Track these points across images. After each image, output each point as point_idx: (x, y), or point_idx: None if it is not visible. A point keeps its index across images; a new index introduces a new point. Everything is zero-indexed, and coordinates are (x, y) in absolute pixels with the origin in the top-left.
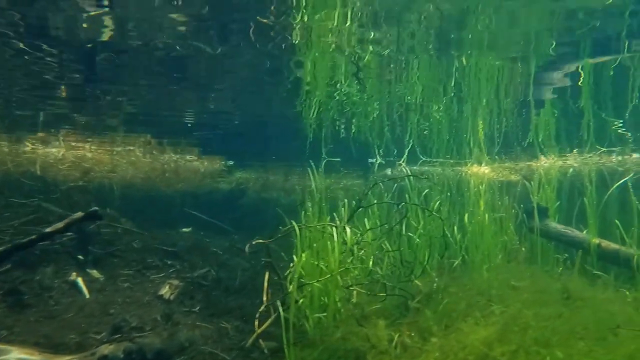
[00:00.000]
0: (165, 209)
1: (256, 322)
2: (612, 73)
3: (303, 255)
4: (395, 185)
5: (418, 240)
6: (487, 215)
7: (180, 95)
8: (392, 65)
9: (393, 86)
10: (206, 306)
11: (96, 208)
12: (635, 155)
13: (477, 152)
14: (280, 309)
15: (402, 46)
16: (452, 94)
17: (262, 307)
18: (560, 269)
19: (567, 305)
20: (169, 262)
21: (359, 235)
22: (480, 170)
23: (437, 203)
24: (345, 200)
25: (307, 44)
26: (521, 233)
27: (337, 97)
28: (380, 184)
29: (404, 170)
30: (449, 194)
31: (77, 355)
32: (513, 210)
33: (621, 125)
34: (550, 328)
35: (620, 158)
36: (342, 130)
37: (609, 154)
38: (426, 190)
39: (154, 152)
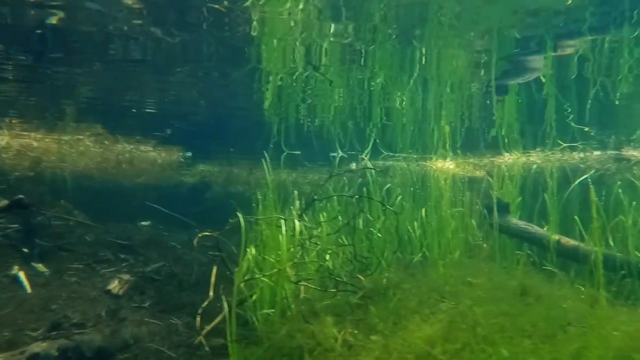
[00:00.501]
0: (123, 202)
1: (198, 319)
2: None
3: (251, 249)
4: (360, 179)
5: (379, 235)
6: (447, 211)
7: (137, 84)
8: (353, 55)
9: (354, 76)
10: (157, 302)
11: (22, 196)
12: (596, 153)
13: (441, 147)
14: (225, 305)
15: (362, 35)
16: (416, 86)
17: (205, 303)
18: (521, 265)
19: (521, 302)
20: (123, 256)
21: (312, 229)
22: (445, 166)
23: (399, 198)
24: (296, 193)
25: (263, 31)
26: (485, 229)
27: (296, 86)
28: (344, 178)
29: (367, 164)
30: (412, 189)
31: (4, 354)
32: (476, 207)
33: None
34: (499, 325)
35: (582, 155)
36: (307, 123)
37: (572, 151)
38: (388, 185)
39: (106, 142)
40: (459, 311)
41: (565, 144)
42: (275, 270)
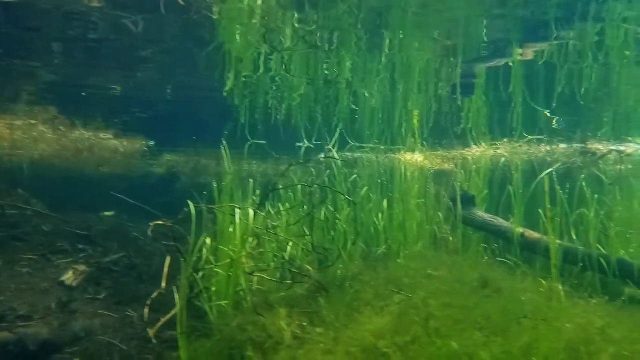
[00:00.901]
0: (86, 191)
1: (146, 310)
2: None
3: (205, 239)
4: (328, 171)
5: (344, 226)
6: (413, 203)
7: (98, 70)
8: (318, 42)
9: (320, 64)
10: (113, 293)
11: None
12: (562, 146)
13: (410, 139)
14: (177, 297)
15: (327, 23)
16: (384, 76)
17: (155, 295)
18: (484, 258)
19: (479, 295)
20: (81, 247)
21: (271, 219)
22: (414, 158)
23: (364, 189)
24: (251, 182)
25: (223, 16)
26: (452, 222)
27: (259, 74)
28: (312, 169)
29: (334, 155)
30: (379, 180)
31: None
32: (444, 199)
33: (549, 113)
34: (453, 318)
35: (549, 148)
36: (277, 113)
37: (539, 144)
38: (354, 176)
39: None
40: (413, 304)
41: (531, 137)
42: (228, 260)
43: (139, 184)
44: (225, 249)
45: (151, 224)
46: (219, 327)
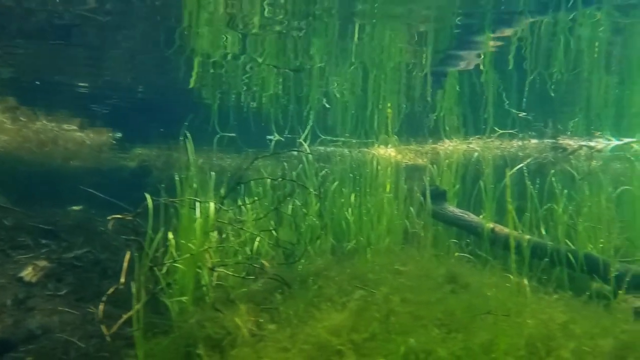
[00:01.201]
0: (53, 185)
1: (101, 307)
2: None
3: (163, 233)
4: (300, 165)
5: (315, 220)
6: (384, 198)
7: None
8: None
9: (290, 56)
10: (75, 290)
11: None
12: (534, 141)
13: (383, 133)
14: (134, 292)
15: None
16: (355, 67)
17: (111, 290)
18: (454, 253)
19: (445, 290)
20: (44, 242)
21: (236, 213)
22: (387, 153)
23: (335, 184)
24: (213, 174)
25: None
26: (424, 217)
27: (226, 67)
28: (285, 162)
29: (305, 149)
30: (351, 175)
31: None
32: (417, 194)
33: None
34: (415, 314)
35: (520, 143)
36: (246, 105)
37: (511, 139)
38: (324, 171)
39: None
40: (375, 300)
41: (502, 131)
42: (187, 255)
43: (109, 178)
44: (186, 244)
45: (109, 217)
46: (178, 323)
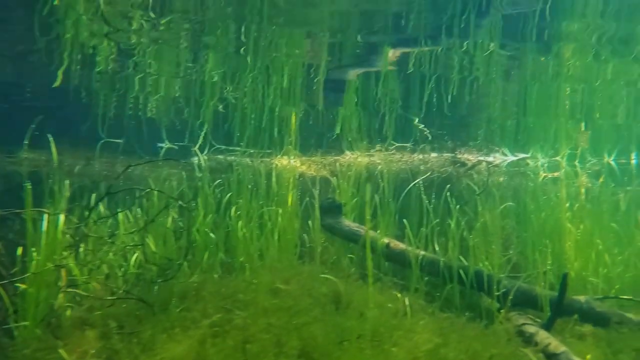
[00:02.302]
0: None
1: None
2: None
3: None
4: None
5: (196, 235)
6: (281, 211)
7: None
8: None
9: (182, 58)
10: None
11: None
12: (433, 155)
13: (286, 144)
14: None
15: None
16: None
17: None
18: (352, 269)
19: (323, 311)
20: None
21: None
22: (288, 163)
23: (227, 195)
24: (67, 182)
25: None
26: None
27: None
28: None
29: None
30: (249, 186)
31: None
32: (315, 207)
33: (417, 121)
34: (274, 340)
35: (421, 157)
36: (138, 111)
37: (412, 152)
38: (218, 181)
39: None
40: (235, 325)
41: (403, 144)
42: (31, 273)
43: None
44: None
45: None
46: (22, 350)
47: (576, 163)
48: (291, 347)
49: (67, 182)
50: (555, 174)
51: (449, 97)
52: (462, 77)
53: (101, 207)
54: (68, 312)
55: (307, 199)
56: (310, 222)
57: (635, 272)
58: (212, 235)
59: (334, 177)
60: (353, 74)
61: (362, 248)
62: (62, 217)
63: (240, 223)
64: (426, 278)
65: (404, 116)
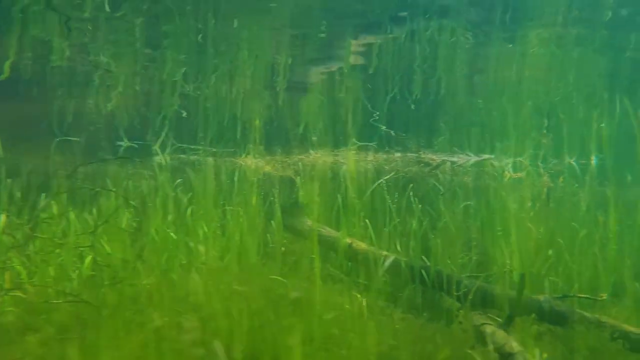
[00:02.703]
0: None
1: None
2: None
3: None
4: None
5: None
6: (243, 211)
7: None
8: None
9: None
10: None
11: None
12: (397, 154)
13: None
14: None
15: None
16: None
17: None
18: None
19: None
20: None
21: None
22: (252, 162)
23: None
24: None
25: None
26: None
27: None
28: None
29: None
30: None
31: None
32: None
33: (377, 119)
34: (222, 345)
35: (386, 157)
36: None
37: (377, 152)
38: (179, 180)
39: None
40: (184, 328)
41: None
42: None
43: None
44: None
45: None
46: None
47: (539, 163)
48: (238, 351)
49: (9, 180)
50: (519, 175)
51: (413, 95)
52: (425, 76)
53: (54, 208)
54: (9, 317)
55: (271, 198)
56: (272, 222)
57: (594, 271)
58: (172, 235)
59: (298, 177)
60: (317, 71)
61: (325, 248)
62: (3, 217)
63: (201, 223)
64: (384, 279)
65: (369, 115)
